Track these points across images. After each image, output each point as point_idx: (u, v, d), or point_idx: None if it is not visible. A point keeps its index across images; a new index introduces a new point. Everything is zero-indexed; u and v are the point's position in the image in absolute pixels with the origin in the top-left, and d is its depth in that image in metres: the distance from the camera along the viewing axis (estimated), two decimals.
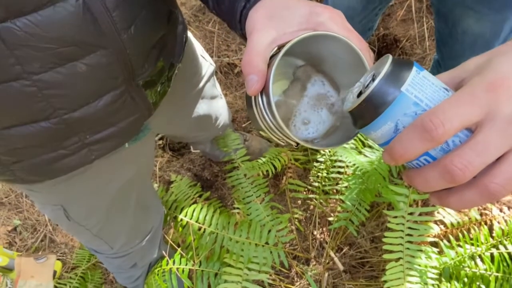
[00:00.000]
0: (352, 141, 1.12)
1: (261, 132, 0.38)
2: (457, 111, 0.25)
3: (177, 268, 0.99)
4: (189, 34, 0.78)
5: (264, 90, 0.34)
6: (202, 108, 0.95)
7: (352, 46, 0.35)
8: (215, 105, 1.03)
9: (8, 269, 1.35)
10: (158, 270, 1.02)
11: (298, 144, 0.35)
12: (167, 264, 1.00)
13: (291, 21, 0.36)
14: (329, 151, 1.19)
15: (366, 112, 0.29)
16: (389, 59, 0.29)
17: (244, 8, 0.38)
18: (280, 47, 0.35)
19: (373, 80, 0.29)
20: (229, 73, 1.67)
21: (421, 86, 0.28)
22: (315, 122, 0.40)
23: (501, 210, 1.16)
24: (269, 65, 0.35)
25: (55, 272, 1.35)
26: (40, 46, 0.40)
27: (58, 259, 1.40)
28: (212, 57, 1.65)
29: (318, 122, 0.40)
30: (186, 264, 1.00)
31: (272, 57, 0.35)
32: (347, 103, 0.33)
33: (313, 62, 0.41)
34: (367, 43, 0.37)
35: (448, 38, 0.99)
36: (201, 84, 0.89)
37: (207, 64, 0.90)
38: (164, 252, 1.04)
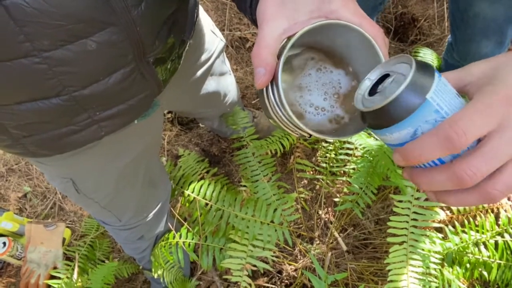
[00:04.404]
0: None
1: (271, 122, 0.37)
2: (477, 122, 0.26)
3: (183, 242, 1.01)
4: (200, 8, 0.76)
5: (274, 82, 0.34)
6: (210, 85, 0.94)
7: (365, 35, 0.34)
8: (224, 82, 1.01)
9: (18, 235, 1.40)
10: (164, 243, 1.04)
11: (311, 135, 0.34)
12: (173, 238, 1.02)
13: (303, 9, 0.35)
14: None
15: (386, 117, 0.28)
16: (412, 63, 0.28)
17: None
18: (289, 38, 0.34)
19: (392, 81, 0.28)
20: (240, 48, 1.64)
21: (442, 93, 0.28)
22: (324, 111, 0.39)
23: (509, 199, 1.15)
24: (279, 56, 0.34)
25: (64, 239, 1.39)
26: (49, 23, 0.39)
27: (67, 227, 1.44)
28: (223, 30, 1.62)
29: (328, 111, 0.39)
30: (192, 239, 1.01)
31: (283, 48, 0.34)
32: (357, 101, 0.32)
33: (327, 51, 0.39)
34: (381, 29, 0.36)
35: (460, 22, 0.97)
36: (210, 61, 0.87)
37: (217, 40, 0.88)
38: (170, 226, 1.06)
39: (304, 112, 0.39)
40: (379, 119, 0.29)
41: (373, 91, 0.31)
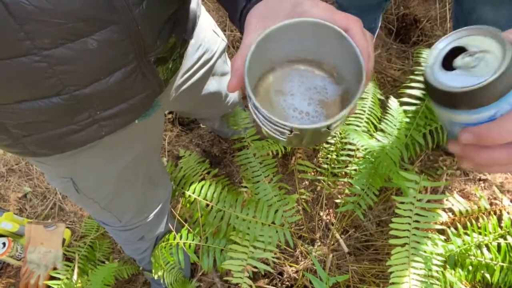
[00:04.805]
0: (364, 124, 1.10)
1: (263, 131, 0.37)
2: None
3: (184, 243, 1.00)
4: (202, 8, 0.75)
5: (244, 86, 0.35)
6: (212, 85, 0.93)
7: (331, 26, 0.34)
8: (225, 82, 1.01)
9: (18, 235, 1.39)
10: (165, 244, 1.03)
11: (291, 131, 0.34)
12: (174, 239, 1.01)
13: (279, 15, 0.36)
14: (340, 133, 1.17)
15: (474, 99, 0.27)
16: (505, 42, 0.27)
17: (244, 9, 0.39)
18: None
19: (479, 59, 0.27)
20: None
21: None
22: (308, 116, 0.39)
23: (511, 201, 1.15)
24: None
25: (64, 240, 1.38)
26: (50, 21, 0.39)
27: (67, 228, 1.43)
28: (225, 30, 1.61)
29: (313, 116, 0.39)
30: (193, 240, 1.01)
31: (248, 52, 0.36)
32: (428, 75, 0.30)
33: (310, 60, 0.40)
34: (357, 18, 0.36)
35: (463, 24, 0.98)
36: (212, 61, 0.87)
37: (219, 40, 0.88)
38: (171, 227, 1.05)
39: (288, 116, 0.39)
40: (462, 101, 0.28)
41: (446, 63, 0.29)
